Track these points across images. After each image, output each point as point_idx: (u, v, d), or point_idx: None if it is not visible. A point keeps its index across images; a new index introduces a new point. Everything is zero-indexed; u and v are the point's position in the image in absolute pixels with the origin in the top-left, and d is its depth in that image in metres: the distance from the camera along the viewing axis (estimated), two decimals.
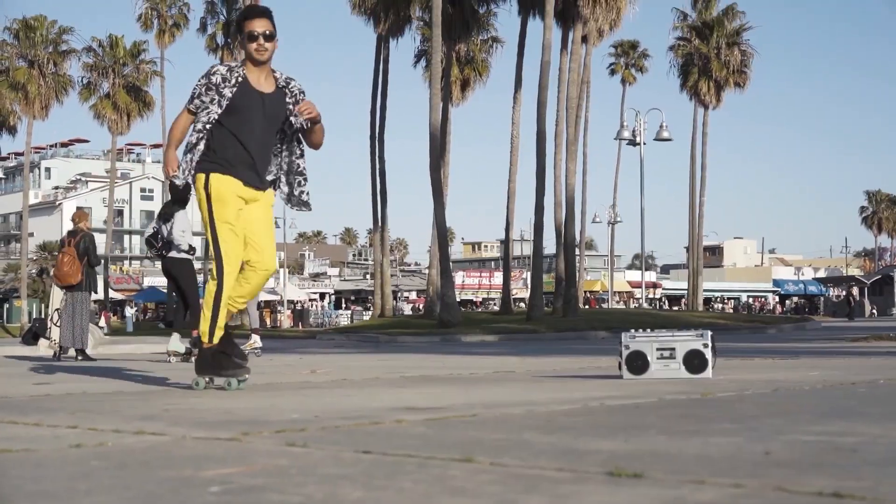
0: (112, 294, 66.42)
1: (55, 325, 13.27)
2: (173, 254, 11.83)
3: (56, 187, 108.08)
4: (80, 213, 13.70)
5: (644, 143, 45.88)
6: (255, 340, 13.94)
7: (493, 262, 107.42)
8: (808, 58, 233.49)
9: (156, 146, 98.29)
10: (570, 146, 38.51)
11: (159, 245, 11.77)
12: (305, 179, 6.25)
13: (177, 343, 11.65)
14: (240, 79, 6.04)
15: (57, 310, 13.24)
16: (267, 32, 6.02)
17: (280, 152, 6.23)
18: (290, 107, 6.09)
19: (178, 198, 11.71)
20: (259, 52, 6.02)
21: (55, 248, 14.61)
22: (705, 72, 56.21)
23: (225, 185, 5.99)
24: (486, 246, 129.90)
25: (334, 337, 31.48)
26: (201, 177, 6.00)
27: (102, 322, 45.50)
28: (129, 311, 58.81)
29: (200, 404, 5.02)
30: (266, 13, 6.12)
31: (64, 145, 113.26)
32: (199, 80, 6.07)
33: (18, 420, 4.21)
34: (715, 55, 56.16)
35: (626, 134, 46.46)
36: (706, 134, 57.42)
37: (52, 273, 13.61)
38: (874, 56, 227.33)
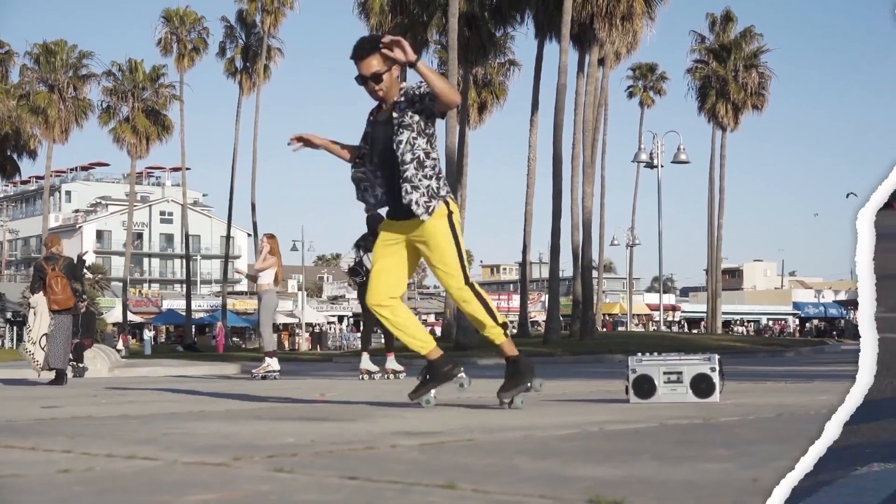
0: (131, 317, 66.66)
1: (42, 348, 13.20)
2: None
3: (76, 210, 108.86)
4: (53, 238, 13.70)
5: (662, 166, 45.87)
6: (270, 363, 13.88)
7: (511, 285, 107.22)
8: (825, 80, 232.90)
9: (175, 169, 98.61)
10: (587, 169, 38.50)
11: (364, 272, 12.47)
12: (413, 188, 5.89)
13: (368, 362, 12.74)
14: (371, 116, 6.11)
15: (45, 335, 13.19)
16: (372, 74, 5.83)
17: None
18: (396, 121, 5.91)
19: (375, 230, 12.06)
20: (374, 95, 5.95)
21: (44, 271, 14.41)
22: (723, 94, 56.22)
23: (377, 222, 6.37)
24: (504, 268, 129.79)
25: (351, 360, 31.35)
26: None
27: (120, 345, 45.64)
28: (148, 334, 58.99)
29: (200, 428, 5.01)
30: (365, 50, 5.87)
31: (84, 169, 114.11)
32: None
33: (15, 444, 4.21)
34: (732, 78, 56.18)
35: (644, 156, 46.46)
36: (724, 156, 57.39)
37: (39, 299, 13.38)
38: (892, 77, 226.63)
